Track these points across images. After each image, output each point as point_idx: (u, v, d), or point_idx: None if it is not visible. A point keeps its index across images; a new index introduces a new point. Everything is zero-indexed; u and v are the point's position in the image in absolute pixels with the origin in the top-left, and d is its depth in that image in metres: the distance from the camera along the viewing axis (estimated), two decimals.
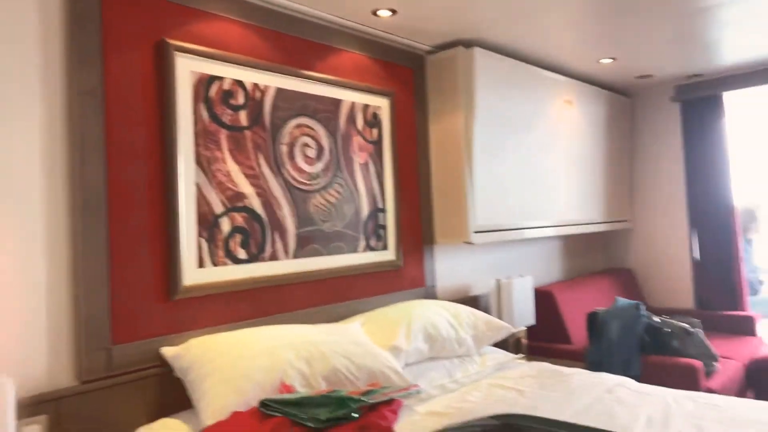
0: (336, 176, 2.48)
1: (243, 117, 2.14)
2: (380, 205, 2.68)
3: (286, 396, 1.48)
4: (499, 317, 2.98)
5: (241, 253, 2.08)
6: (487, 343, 2.53)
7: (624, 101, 4.18)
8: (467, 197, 2.84)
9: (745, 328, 3.57)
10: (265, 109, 2.22)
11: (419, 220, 2.91)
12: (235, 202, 2.08)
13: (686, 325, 2.81)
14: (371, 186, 2.65)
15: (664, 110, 4.14)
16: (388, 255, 2.70)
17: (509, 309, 2.99)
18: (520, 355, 2.73)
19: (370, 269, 2.60)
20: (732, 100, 3.90)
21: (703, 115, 3.93)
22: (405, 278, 2.79)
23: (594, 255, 4.33)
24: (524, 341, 3.10)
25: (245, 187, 2.12)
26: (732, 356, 3.07)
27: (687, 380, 2.55)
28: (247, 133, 2.15)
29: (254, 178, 2.15)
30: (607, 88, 3.99)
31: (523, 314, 3.07)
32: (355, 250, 2.54)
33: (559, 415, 1.77)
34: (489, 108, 2.93)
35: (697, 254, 3.95)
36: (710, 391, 2.57)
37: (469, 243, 2.87)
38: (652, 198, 4.23)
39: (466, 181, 2.85)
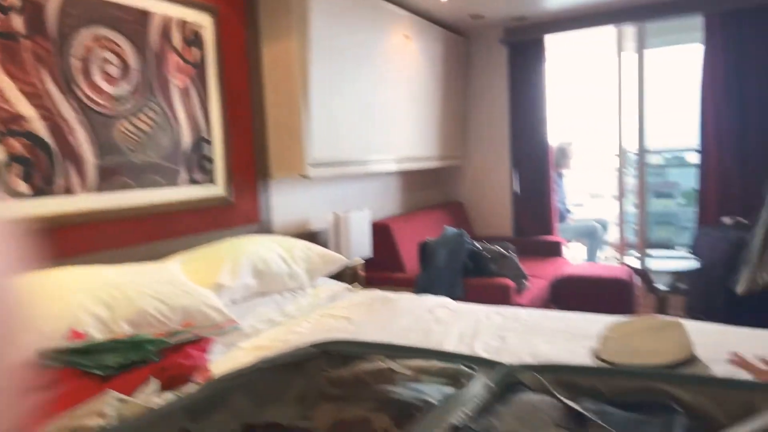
0: (148, 100, 2.19)
1: (17, 22, 1.75)
2: (205, 136, 2.46)
3: (71, 344, 1.30)
4: (337, 250, 2.99)
5: (23, 187, 1.76)
6: (321, 276, 2.52)
7: (459, 40, 4.31)
8: (303, 129, 2.73)
9: (553, 251, 4.07)
10: (47, 14, 1.83)
11: (252, 153, 2.74)
12: (10, 125, 1.73)
13: (502, 250, 3.10)
14: (193, 113, 2.40)
15: (494, 51, 4.36)
16: (217, 189, 2.51)
17: (347, 242, 3.01)
18: (356, 285, 2.79)
19: (196, 205, 2.40)
20: (552, 43, 4.22)
21: (527, 58, 4.21)
22: (237, 214, 2.63)
23: (429, 190, 4.55)
24: (361, 273, 3.18)
25: (24, 107, 1.76)
26: (540, 275, 3.48)
27: (501, 297, 2.83)
28: (25, 42, 1.77)
29: (36, 98, 1.80)
30: (444, 26, 4.06)
31: (361, 247, 3.13)
32: (175, 184, 2.31)
33: (381, 337, 1.83)
34: (325, 35, 2.80)
35: (516, 188, 4.35)
36: (520, 306, 2.88)
37: (306, 177, 2.79)
38: (481, 136, 4.51)
39: (301, 111, 2.72)
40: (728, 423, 0.88)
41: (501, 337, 1.85)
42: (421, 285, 3.04)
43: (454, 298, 2.53)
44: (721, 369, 1.39)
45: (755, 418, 0.87)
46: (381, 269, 3.37)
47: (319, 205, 3.26)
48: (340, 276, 3.10)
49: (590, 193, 6.20)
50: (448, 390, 1.04)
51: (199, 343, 1.46)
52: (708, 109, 3.67)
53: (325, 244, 3.16)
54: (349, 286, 2.59)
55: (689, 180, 4.36)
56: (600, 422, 0.82)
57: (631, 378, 0.97)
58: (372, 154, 3.31)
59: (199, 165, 2.42)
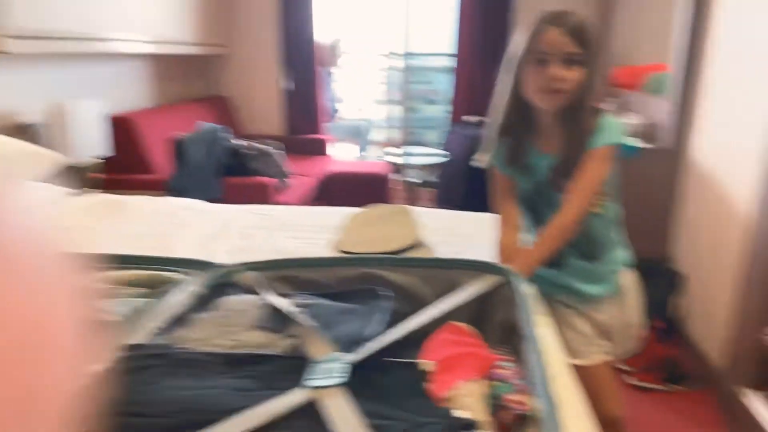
0: None
1: None
2: None
3: None
4: (59, 148, 2.44)
5: None
6: (29, 179, 2.02)
7: None
8: None
9: (320, 149, 4.05)
10: None
11: None
12: None
13: (265, 147, 2.92)
14: None
15: None
16: None
17: (71, 138, 2.48)
18: (87, 190, 2.33)
19: None
20: None
21: None
22: None
23: (189, 81, 4.03)
24: (96, 175, 2.68)
25: None
26: (307, 173, 3.43)
27: (261, 196, 2.68)
28: None
29: None
30: None
31: (93, 144, 2.61)
32: None
33: (104, 248, 1.54)
34: None
35: (285, 84, 4.13)
36: (280, 204, 2.79)
37: (4, 53, 2.13)
38: (249, 26, 4.10)
39: None
40: (433, 300, 0.89)
41: (247, 236, 1.71)
42: (175, 186, 2.71)
43: (210, 199, 2.30)
44: (446, 250, 1.48)
45: (456, 293, 0.90)
46: (125, 171, 2.90)
47: (33, 92, 2.58)
48: (68, 179, 2.58)
49: (375, 100, 6.27)
50: (143, 303, 0.87)
51: None
52: (465, 14, 3.88)
53: (44, 140, 2.57)
54: (73, 191, 2.15)
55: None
56: (299, 319, 0.73)
57: (348, 266, 0.92)
58: (106, 29, 2.70)
59: None
